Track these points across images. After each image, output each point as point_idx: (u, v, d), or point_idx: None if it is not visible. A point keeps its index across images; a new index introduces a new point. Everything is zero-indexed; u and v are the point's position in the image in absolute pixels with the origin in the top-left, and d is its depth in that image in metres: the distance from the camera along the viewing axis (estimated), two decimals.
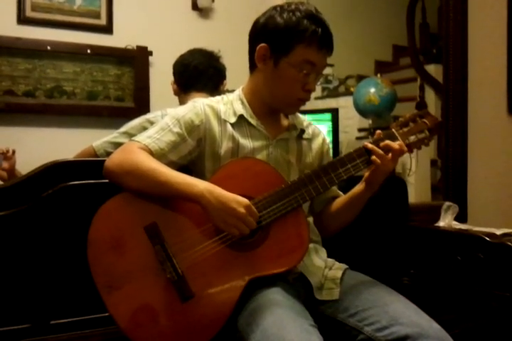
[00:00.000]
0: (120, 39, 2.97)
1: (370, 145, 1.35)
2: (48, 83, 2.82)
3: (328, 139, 1.62)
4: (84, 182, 1.45)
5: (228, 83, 2.19)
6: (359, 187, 1.43)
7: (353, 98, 3.22)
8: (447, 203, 2.24)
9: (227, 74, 2.18)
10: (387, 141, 1.34)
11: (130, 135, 1.82)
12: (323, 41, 1.34)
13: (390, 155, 1.33)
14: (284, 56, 1.34)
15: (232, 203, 1.22)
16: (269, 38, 1.36)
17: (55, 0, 2.85)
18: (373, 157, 1.33)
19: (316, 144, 1.54)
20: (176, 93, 2.16)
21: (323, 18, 1.36)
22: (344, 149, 3.23)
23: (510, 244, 1.77)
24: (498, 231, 1.95)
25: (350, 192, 1.47)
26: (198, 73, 2.07)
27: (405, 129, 1.40)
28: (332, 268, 1.44)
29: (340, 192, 1.56)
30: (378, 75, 3.40)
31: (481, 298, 1.79)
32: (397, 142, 1.35)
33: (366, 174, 1.39)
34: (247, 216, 1.22)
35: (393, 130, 1.39)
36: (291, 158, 1.45)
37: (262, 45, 1.36)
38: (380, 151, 1.33)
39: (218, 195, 1.22)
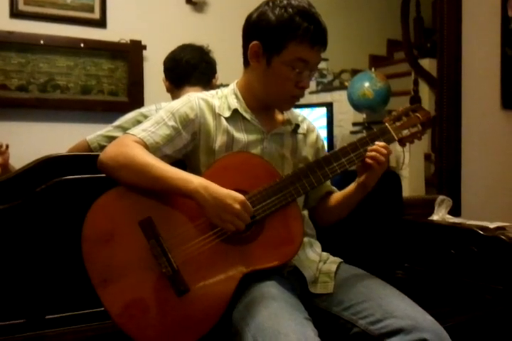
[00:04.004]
0: (114, 33, 2.95)
1: (369, 161, 1.35)
2: (41, 77, 2.79)
3: (322, 135, 1.63)
4: (79, 176, 1.45)
5: (223, 77, 2.18)
6: (352, 188, 1.45)
7: (348, 92, 3.21)
8: (441, 197, 2.26)
9: (222, 68, 2.17)
10: (375, 151, 1.35)
11: (124, 129, 1.81)
12: (316, 38, 1.33)
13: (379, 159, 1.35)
14: (277, 55, 1.33)
15: (227, 199, 1.22)
16: (261, 35, 1.35)
17: None
18: (368, 160, 1.35)
19: (310, 139, 1.54)
20: (168, 90, 2.14)
21: (317, 13, 1.34)
22: (338, 143, 3.23)
23: (503, 237, 1.79)
24: (492, 225, 1.97)
25: (345, 191, 1.49)
26: (191, 67, 2.06)
27: (398, 123, 1.41)
28: (326, 262, 1.45)
29: (335, 188, 1.56)
30: (372, 69, 3.39)
31: (475, 290, 1.81)
32: (375, 147, 1.35)
33: (361, 179, 1.40)
34: (242, 212, 1.22)
35: (386, 124, 1.40)
36: (286, 152, 1.46)
37: (255, 42, 1.35)
38: (371, 161, 1.35)
39: (213, 191, 1.22)
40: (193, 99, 1.40)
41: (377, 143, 1.36)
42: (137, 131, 1.33)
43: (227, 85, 1.50)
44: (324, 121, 2.95)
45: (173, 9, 3.14)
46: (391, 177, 2.04)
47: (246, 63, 1.43)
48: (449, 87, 2.61)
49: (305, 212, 1.51)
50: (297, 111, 1.58)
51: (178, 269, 1.22)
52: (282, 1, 1.34)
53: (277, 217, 1.30)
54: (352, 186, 1.46)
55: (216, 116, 1.39)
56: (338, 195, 1.52)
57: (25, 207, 1.40)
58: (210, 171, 1.31)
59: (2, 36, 2.68)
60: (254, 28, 1.37)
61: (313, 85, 3.99)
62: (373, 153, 1.34)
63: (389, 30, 4.68)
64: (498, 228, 1.94)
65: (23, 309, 1.41)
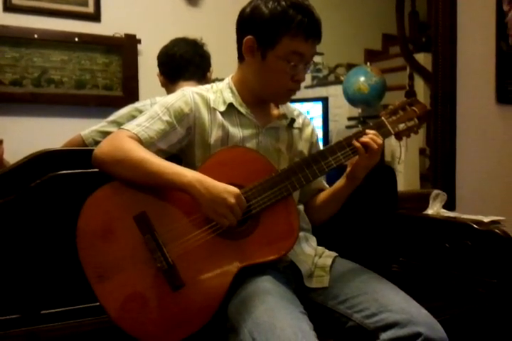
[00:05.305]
0: (108, 27, 2.93)
1: (357, 144, 1.34)
2: (35, 72, 2.78)
3: (317, 130, 1.63)
4: (73, 171, 1.45)
5: (218, 71, 2.17)
6: (341, 182, 1.45)
7: (343, 87, 3.21)
8: (436, 191, 2.26)
9: (217, 62, 2.16)
10: (369, 138, 1.34)
11: (119, 124, 1.81)
12: (310, 30, 1.32)
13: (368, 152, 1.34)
14: (271, 49, 1.33)
15: (223, 193, 1.22)
16: (255, 29, 1.34)
17: None
18: (356, 143, 1.34)
19: (305, 134, 1.54)
20: (163, 84, 2.13)
21: (310, 5, 1.34)
22: (334, 138, 3.22)
23: (497, 231, 1.79)
24: (486, 219, 1.97)
25: (334, 186, 1.49)
26: (185, 62, 2.05)
27: (394, 117, 1.41)
28: (322, 256, 1.45)
29: (326, 185, 1.56)
30: (368, 64, 3.39)
31: (469, 284, 1.81)
32: (370, 136, 1.34)
33: (348, 169, 1.40)
34: (236, 206, 1.22)
35: (383, 118, 1.40)
36: (281, 146, 1.45)
37: (249, 37, 1.35)
38: (358, 144, 1.33)
39: (208, 185, 1.22)
40: (188, 94, 1.39)
41: (368, 130, 1.35)
42: (131, 126, 1.33)
43: (222, 79, 1.49)
44: (320, 116, 2.95)
45: (167, 3, 3.13)
46: (386, 172, 2.04)
47: (240, 58, 1.42)
48: (444, 82, 2.61)
49: (301, 207, 1.51)
50: (293, 105, 1.57)
51: (174, 264, 1.22)
52: None
53: (273, 211, 1.30)
54: (340, 180, 1.45)
55: (211, 110, 1.39)
56: (327, 192, 1.52)
57: (19, 202, 1.40)
58: (205, 165, 1.31)
59: None
60: (247, 23, 1.37)
61: (308, 80, 3.98)
62: (366, 139, 1.33)
63: (384, 25, 4.67)
64: (492, 222, 1.95)
65: (18, 304, 1.40)
